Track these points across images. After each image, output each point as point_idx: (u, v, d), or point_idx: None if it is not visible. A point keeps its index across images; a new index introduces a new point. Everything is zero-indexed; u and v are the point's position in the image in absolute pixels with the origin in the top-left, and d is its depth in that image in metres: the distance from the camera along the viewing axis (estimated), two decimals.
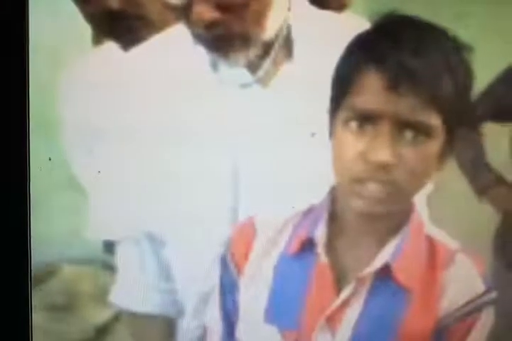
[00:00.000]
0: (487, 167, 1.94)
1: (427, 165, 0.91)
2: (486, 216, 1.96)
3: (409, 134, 0.89)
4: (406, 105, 0.87)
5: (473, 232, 1.72)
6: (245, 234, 1.02)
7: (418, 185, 0.93)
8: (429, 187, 1.20)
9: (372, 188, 0.89)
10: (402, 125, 0.88)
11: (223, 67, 1.11)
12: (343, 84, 0.92)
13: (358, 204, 0.91)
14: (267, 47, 1.10)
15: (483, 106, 1.84)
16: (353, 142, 0.90)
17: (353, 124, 0.90)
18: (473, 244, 1.03)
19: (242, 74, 1.11)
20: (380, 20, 0.93)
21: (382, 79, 0.87)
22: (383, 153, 0.87)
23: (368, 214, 0.93)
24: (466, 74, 0.93)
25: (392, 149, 0.88)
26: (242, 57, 1.08)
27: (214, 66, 1.12)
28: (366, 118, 0.89)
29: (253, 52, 1.08)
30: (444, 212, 1.19)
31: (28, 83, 0.98)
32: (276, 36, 1.10)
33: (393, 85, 0.86)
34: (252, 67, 1.11)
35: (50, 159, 1.65)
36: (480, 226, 1.97)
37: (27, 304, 1.00)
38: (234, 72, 1.11)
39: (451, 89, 0.89)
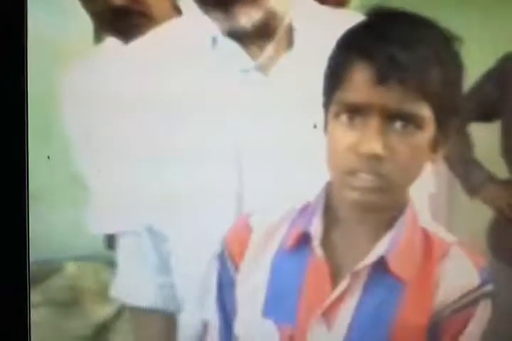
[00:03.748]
0: (478, 166, 1.94)
1: (418, 156, 0.92)
2: (483, 212, 1.96)
3: (398, 125, 0.90)
4: (394, 96, 0.88)
5: (472, 228, 1.73)
6: (240, 233, 1.03)
7: (410, 176, 0.94)
8: (432, 186, 1.21)
9: (364, 179, 0.90)
10: (391, 116, 0.90)
11: (223, 46, 1.12)
12: (334, 79, 0.93)
13: (351, 195, 0.92)
14: (269, 33, 1.12)
15: (469, 105, 1.82)
16: (344, 135, 0.91)
17: (344, 117, 0.92)
18: (471, 239, 1.03)
19: (242, 58, 1.12)
20: (368, 14, 0.94)
21: (371, 73, 0.88)
22: (373, 145, 0.89)
23: (362, 204, 0.93)
24: (456, 66, 0.94)
25: (381, 141, 0.89)
26: (245, 17, 1.09)
27: (214, 43, 1.13)
28: (356, 111, 0.91)
29: (257, 14, 1.09)
30: (443, 208, 1.20)
31: (27, 81, 0.99)
32: (279, 23, 1.12)
33: (382, 78, 0.88)
34: (253, 52, 1.12)
35: (48, 157, 1.66)
36: (478, 223, 1.97)
37: (26, 300, 1.01)
38: (234, 54, 1.12)
39: (441, 81, 0.90)
